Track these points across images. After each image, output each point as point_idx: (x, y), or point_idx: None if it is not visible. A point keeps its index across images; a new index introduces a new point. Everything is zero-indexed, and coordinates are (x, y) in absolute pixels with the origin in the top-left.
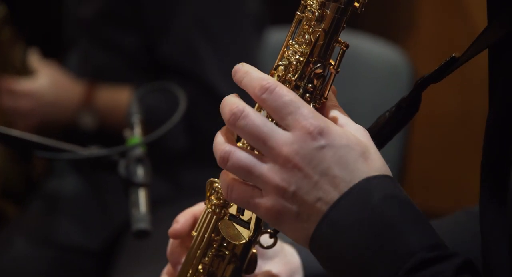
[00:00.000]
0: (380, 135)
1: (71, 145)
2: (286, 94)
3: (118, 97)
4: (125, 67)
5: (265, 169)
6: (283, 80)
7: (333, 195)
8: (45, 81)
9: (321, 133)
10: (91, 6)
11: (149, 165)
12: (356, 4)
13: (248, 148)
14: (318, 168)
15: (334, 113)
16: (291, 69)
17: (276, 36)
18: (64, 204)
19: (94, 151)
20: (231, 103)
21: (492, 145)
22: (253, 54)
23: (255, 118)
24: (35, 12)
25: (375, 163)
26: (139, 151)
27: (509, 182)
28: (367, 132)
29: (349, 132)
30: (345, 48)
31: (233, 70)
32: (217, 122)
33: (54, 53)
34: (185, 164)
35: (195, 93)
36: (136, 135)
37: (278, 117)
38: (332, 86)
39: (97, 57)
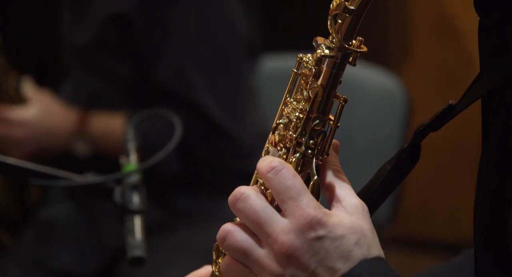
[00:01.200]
0: (382, 188)
1: (67, 173)
2: (291, 178)
3: (112, 124)
4: (119, 94)
5: (262, 254)
6: (283, 138)
7: None
8: (38, 109)
9: (319, 223)
10: (84, 34)
11: (144, 192)
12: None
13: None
14: (315, 258)
15: (334, 180)
16: (291, 126)
17: (271, 63)
18: (59, 231)
19: (89, 178)
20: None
21: (489, 190)
22: (246, 79)
23: (255, 202)
24: (29, 40)
25: (368, 249)
26: (135, 178)
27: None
28: (365, 207)
29: (345, 220)
30: (343, 103)
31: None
32: (211, 147)
33: (48, 81)
34: (180, 190)
35: (189, 119)
36: (132, 162)
37: (279, 199)
38: (336, 141)
39: (91, 84)
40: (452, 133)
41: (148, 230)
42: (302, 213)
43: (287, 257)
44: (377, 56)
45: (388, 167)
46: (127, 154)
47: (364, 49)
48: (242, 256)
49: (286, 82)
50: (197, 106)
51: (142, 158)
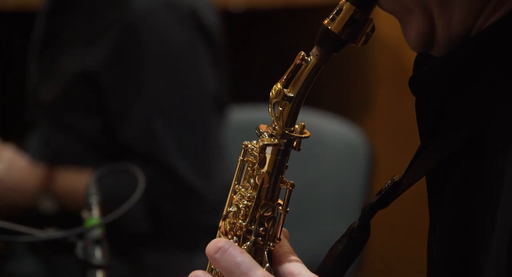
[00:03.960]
0: (335, 268)
1: (28, 228)
2: (239, 255)
3: (78, 181)
4: (86, 150)
5: None
6: (234, 226)
7: None
8: (3, 165)
9: None
10: (52, 90)
11: (107, 246)
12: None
13: None
14: None
15: (288, 262)
16: (240, 215)
17: (239, 114)
18: None
19: (51, 233)
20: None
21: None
22: (215, 135)
23: None
24: None
25: None
26: (97, 233)
27: None
28: None
29: None
30: (291, 188)
31: None
32: (180, 205)
33: (13, 136)
34: (146, 245)
35: (156, 176)
36: (94, 216)
37: None
38: (284, 229)
39: (58, 140)
40: (417, 183)
41: None
42: None
43: None
44: (340, 108)
45: (340, 247)
46: (89, 208)
47: (308, 134)
48: None
49: (252, 133)
50: (166, 165)
51: (104, 212)
